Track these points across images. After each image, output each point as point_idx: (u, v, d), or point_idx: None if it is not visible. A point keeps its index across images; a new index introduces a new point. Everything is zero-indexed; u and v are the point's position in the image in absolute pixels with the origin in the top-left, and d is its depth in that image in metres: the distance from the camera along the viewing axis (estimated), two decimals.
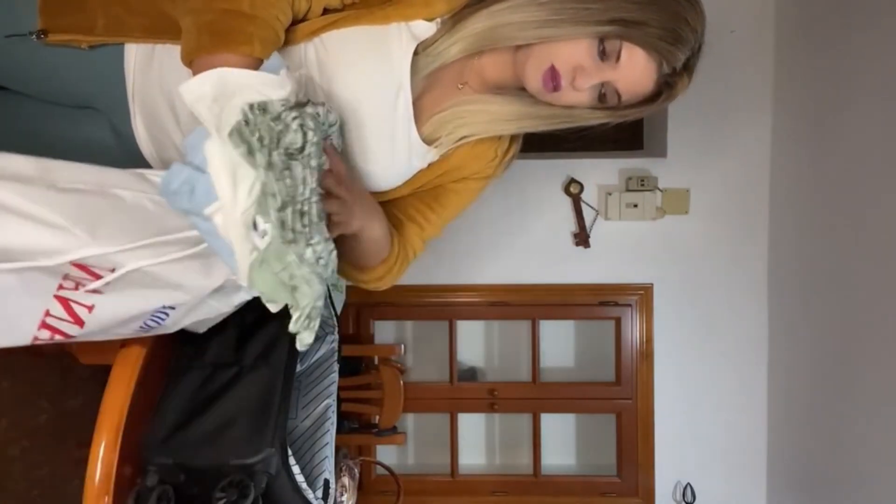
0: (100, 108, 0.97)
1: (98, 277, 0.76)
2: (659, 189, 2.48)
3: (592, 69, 0.88)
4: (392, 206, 1.05)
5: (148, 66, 0.91)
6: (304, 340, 0.78)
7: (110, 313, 0.79)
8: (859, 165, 1.95)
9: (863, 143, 1.93)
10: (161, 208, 0.81)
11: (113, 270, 0.77)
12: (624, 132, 2.74)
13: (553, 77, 0.88)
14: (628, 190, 2.48)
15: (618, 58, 0.86)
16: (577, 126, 0.96)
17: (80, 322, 0.77)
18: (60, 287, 0.74)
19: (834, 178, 2.08)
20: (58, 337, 0.77)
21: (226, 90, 0.74)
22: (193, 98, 0.74)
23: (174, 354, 1.00)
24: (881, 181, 1.84)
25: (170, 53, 0.89)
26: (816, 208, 2.19)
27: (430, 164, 1.01)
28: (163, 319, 0.85)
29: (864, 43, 1.91)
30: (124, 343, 0.95)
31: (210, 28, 0.78)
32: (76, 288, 0.75)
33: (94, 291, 0.77)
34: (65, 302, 0.75)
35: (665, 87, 0.91)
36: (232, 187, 0.72)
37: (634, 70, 0.87)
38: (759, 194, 2.49)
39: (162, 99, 0.92)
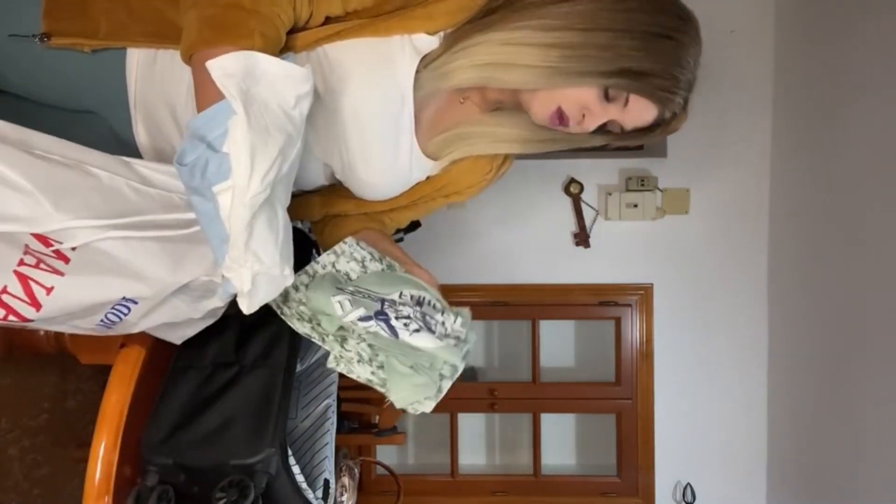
0: (101, 113, 0.97)
1: (61, 257, 0.74)
2: (659, 189, 2.49)
3: (599, 111, 0.89)
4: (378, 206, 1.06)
5: (150, 72, 0.91)
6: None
7: (69, 297, 0.76)
8: (859, 164, 1.95)
9: (863, 142, 1.93)
10: (139, 196, 0.80)
11: (74, 249, 0.75)
12: None
13: (561, 118, 0.90)
14: (628, 190, 2.48)
15: (625, 103, 0.88)
16: (577, 146, 1.00)
17: (36, 304, 0.75)
18: (21, 262, 0.72)
19: (834, 178, 2.08)
20: (12, 318, 0.74)
21: (254, 73, 0.74)
22: (221, 74, 0.73)
23: (174, 354, 1.00)
24: (881, 181, 1.84)
25: (172, 60, 0.89)
26: (816, 208, 2.19)
27: (428, 178, 1.02)
28: (124, 314, 0.82)
29: (864, 43, 1.91)
30: (124, 343, 0.95)
31: (212, 22, 0.78)
32: (37, 265, 0.73)
33: (55, 272, 0.74)
34: (24, 280, 0.73)
35: (664, 124, 0.94)
36: (249, 169, 0.72)
37: (638, 114, 0.90)
38: (759, 194, 2.49)
39: (163, 105, 0.92)
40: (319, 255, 1.28)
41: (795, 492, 2.36)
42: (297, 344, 1.04)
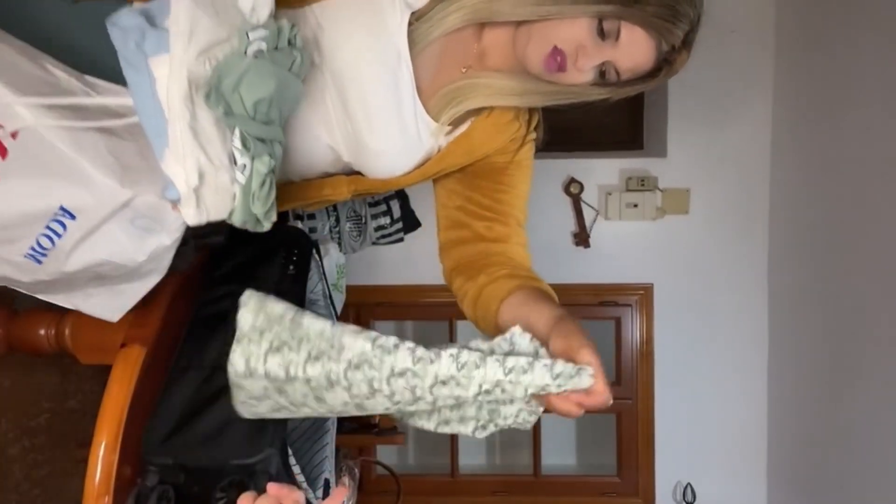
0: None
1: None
2: (659, 189, 2.48)
3: (593, 49, 0.88)
4: (461, 213, 1.03)
5: None
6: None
7: (4, 203, 0.70)
8: (859, 165, 1.95)
9: (862, 142, 1.93)
10: (93, 100, 0.75)
11: (15, 135, 0.69)
12: (624, 132, 2.74)
13: (557, 58, 0.89)
14: (628, 190, 2.48)
15: (617, 37, 0.87)
16: (579, 101, 0.96)
17: None
18: None
19: (834, 178, 2.08)
20: None
21: None
22: None
23: (174, 355, 1.00)
24: (881, 181, 1.84)
25: None
26: (816, 208, 2.19)
27: (449, 144, 1.00)
28: (58, 235, 0.74)
29: (864, 43, 1.91)
30: (124, 343, 0.95)
31: None
32: None
33: None
34: None
35: (664, 64, 0.92)
36: (187, 39, 0.68)
37: (634, 49, 0.88)
38: (759, 194, 2.49)
39: None
40: (319, 255, 1.28)
41: (795, 492, 2.36)
42: None
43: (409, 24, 0.90)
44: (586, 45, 0.88)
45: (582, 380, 0.75)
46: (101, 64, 0.86)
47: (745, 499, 2.55)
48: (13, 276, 0.78)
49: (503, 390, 0.73)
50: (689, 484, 2.54)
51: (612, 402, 0.79)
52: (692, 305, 2.54)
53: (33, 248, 0.74)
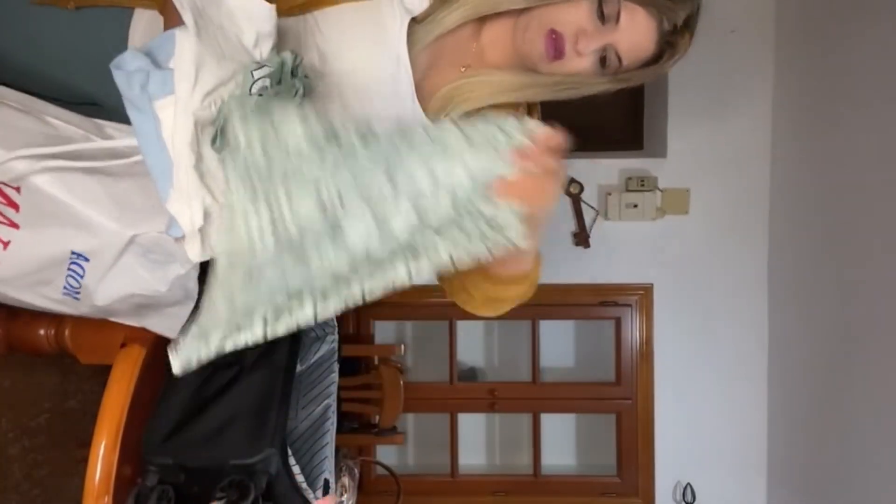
0: (98, 97, 0.90)
1: (11, 204, 0.73)
2: (659, 189, 2.48)
3: (594, 32, 0.87)
4: None
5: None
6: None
7: (24, 253, 0.75)
8: (859, 164, 1.95)
9: (862, 141, 1.93)
10: (93, 144, 0.77)
11: (19, 189, 0.73)
12: (624, 132, 2.74)
13: (556, 41, 0.88)
14: (628, 190, 2.48)
15: (617, 20, 0.86)
16: (580, 94, 0.95)
17: None
18: None
19: (833, 178, 2.08)
20: None
21: None
22: None
23: None
24: (880, 181, 1.84)
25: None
26: (816, 208, 2.19)
27: None
28: (80, 275, 0.79)
29: (864, 42, 1.91)
30: (124, 343, 0.95)
31: None
32: None
33: (11, 224, 0.74)
34: None
35: (667, 47, 0.91)
36: (192, 80, 0.68)
37: (635, 30, 0.87)
38: (759, 194, 2.49)
39: None
40: None
41: (795, 492, 2.36)
42: (297, 344, 1.04)
43: (410, 25, 0.90)
44: (587, 28, 0.87)
45: (526, 123, 0.72)
46: (104, 73, 0.87)
47: (745, 499, 2.55)
48: (63, 309, 0.83)
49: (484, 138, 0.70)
50: (688, 484, 2.54)
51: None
52: (692, 305, 2.54)
53: (66, 288, 0.80)
